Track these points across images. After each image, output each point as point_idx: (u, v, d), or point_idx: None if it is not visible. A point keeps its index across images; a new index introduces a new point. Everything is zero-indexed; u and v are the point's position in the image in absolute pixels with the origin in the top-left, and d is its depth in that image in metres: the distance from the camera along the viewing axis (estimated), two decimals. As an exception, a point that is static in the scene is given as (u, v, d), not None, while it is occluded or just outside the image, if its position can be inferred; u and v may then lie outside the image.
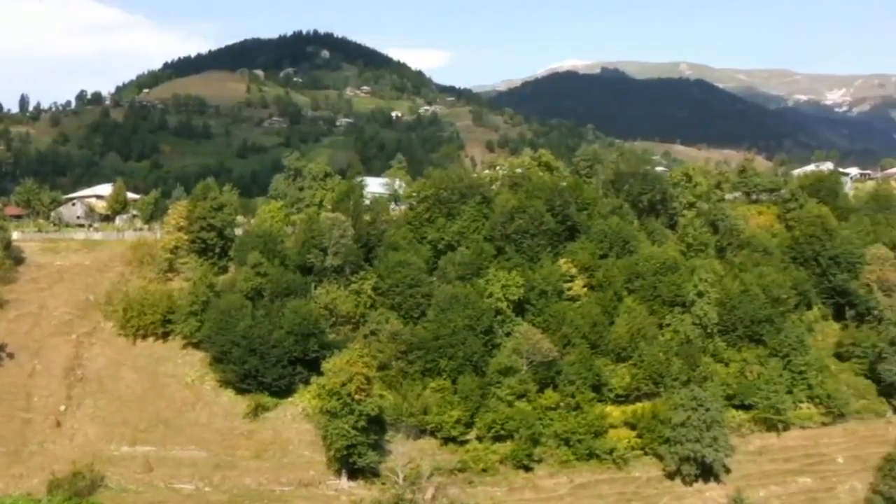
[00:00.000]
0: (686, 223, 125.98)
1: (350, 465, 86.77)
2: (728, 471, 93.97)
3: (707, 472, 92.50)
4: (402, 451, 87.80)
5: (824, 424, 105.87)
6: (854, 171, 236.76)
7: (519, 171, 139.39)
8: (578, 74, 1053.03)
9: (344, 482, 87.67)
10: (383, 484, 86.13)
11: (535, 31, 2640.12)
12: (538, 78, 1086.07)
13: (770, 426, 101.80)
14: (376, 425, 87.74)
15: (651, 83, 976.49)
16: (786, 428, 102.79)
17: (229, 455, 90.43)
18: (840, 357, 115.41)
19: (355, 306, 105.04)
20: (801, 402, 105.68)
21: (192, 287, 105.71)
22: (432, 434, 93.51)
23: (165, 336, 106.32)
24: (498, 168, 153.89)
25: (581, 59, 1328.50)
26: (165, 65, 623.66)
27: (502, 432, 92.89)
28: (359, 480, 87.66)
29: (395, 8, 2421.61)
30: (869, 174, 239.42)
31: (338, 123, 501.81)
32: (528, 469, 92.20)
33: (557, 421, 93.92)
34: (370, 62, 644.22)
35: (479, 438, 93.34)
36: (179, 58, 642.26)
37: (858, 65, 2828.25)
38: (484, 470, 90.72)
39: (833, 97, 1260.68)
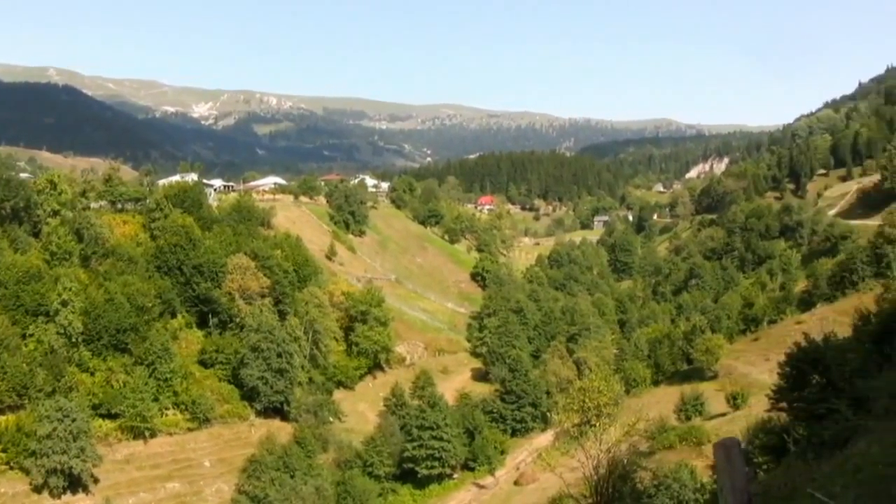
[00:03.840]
0: (50, 231, 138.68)
1: None
2: (97, 481, 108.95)
3: (75, 484, 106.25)
4: None
5: (190, 430, 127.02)
6: (218, 182, 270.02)
7: None
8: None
9: None
10: None
11: None
12: None
13: (137, 434, 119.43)
14: None
15: (18, 87, 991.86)
16: (153, 435, 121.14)
17: None
18: (204, 364, 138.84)
19: None
20: (168, 408, 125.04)
21: None
22: None
23: None
24: None
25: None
26: None
27: None
28: None
29: None
30: (232, 186, 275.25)
31: None
32: None
33: None
34: None
35: None
36: None
37: (225, 80, 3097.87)
38: None
39: (200, 110, 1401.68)
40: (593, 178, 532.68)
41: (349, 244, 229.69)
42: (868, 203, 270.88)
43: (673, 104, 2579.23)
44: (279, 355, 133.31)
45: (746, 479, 8.66)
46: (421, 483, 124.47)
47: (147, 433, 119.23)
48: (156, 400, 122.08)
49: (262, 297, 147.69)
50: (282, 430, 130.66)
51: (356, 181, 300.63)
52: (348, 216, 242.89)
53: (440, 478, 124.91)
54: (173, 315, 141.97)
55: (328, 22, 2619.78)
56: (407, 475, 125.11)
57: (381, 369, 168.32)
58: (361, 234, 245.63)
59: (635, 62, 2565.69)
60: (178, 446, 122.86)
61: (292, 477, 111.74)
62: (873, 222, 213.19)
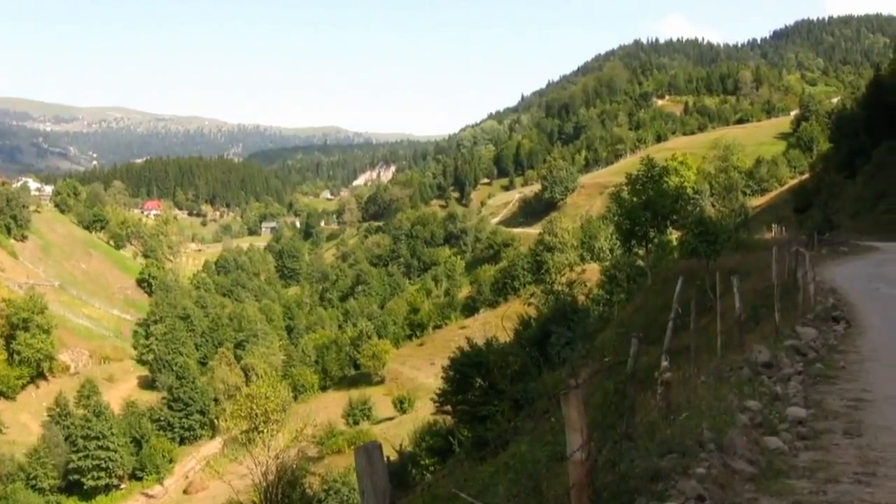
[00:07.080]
0: None
1: None
2: None
3: None
4: None
5: None
6: None
7: None
8: None
9: None
10: None
11: None
12: None
13: None
14: None
15: None
16: None
17: None
18: None
19: None
20: None
21: None
22: None
23: None
24: None
25: None
26: None
27: None
28: None
29: None
30: None
31: None
32: None
33: None
34: None
35: None
36: None
37: None
38: None
39: None
40: (261, 184, 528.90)
41: (10, 249, 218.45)
42: (529, 212, 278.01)
43: (341, 112, 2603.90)
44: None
45: (387, 480, 7.58)
46: (87, 494, 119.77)
47: None
48: None
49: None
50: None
51: (18, 184, 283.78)
52: (10, 220, 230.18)
53: (107, 488, 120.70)
54: None
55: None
56: (73, 487, 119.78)
57: (45, 378, 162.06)
58: (24, 238, 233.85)
59: (304, 69, 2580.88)
60: None
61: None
62: (534, 230, 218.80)
